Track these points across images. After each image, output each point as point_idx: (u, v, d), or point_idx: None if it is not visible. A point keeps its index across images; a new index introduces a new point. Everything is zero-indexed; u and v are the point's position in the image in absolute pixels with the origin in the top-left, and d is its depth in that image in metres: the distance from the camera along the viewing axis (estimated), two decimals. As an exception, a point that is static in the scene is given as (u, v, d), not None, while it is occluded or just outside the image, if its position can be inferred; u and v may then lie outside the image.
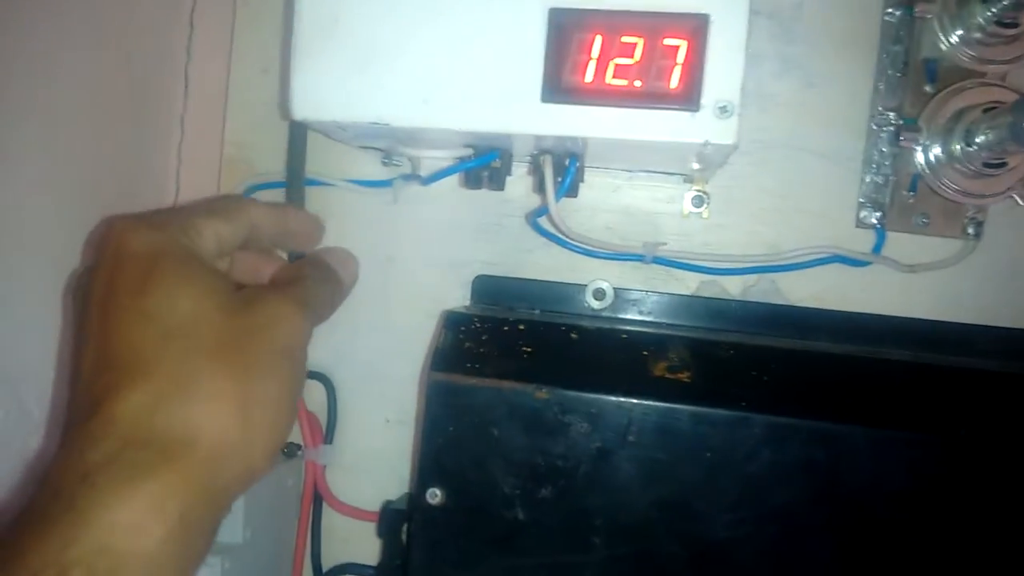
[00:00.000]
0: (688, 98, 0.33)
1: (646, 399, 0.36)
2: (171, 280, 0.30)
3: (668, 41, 0.33)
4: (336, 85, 0.35)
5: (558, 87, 0.34)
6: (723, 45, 0.33)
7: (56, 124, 0.40)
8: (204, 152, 0.50)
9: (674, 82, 0.33)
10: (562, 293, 0.45)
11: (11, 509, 0.32)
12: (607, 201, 0.45)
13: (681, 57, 0.33)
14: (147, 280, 0.29)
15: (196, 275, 0.30)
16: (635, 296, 0.44)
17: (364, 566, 0.46)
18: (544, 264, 0.46)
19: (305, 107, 0.36)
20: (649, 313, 0.44)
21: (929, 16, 0.39)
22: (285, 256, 0.42)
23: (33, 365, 0.40)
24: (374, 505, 0.46)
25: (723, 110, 0.33)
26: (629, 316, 0.44)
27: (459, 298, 0.47)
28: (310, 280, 0.35)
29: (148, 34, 0.47)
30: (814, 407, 0.36)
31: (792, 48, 0.44)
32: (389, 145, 0.43)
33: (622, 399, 0.36)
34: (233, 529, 0.40)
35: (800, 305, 0.43)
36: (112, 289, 0.29)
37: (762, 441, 0.35)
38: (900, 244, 0.43)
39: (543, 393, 0.37)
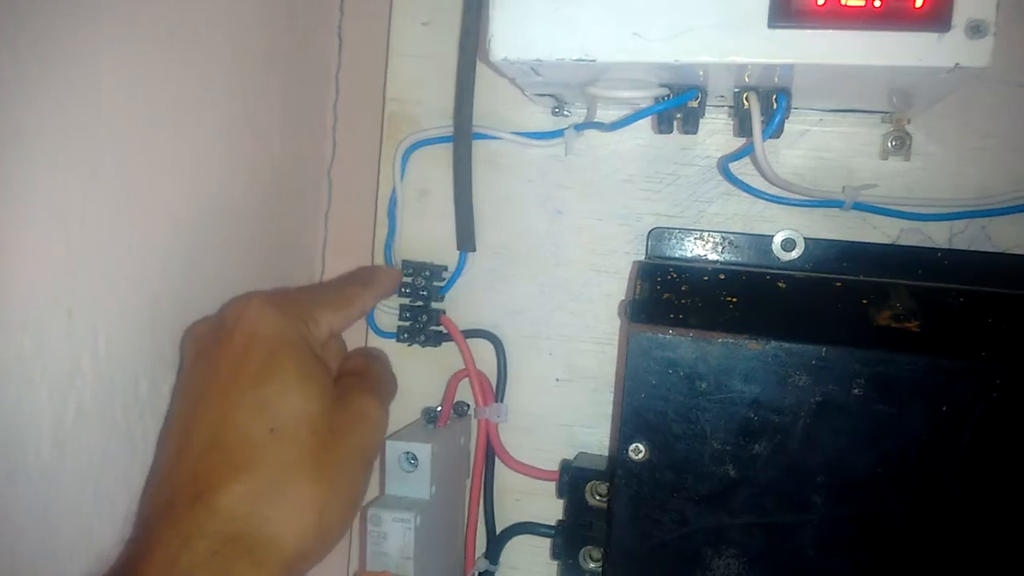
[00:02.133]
0: (936, 17, 0.30)
1: (874, 349, 0.34)
2: (288, 373, 0.33)
3: (912, -45, 0.30)
4: (539, 21, 0.34)
5: (788, 10, 0.31)
6: (976, -44, 0.30)
7: (224, 82, 0.40)
8: (363, 110, 0.49)
9: (919, 0, 0.30)
10: (747, 244, 0.42)
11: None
12: (795, 146, 0.42)
13: (928, -27, 0.30)
14: (268, 369, 0.32)
15: (309, 371, 0.34)
16: (828, 246, 0.41)
17: (541, 525, 0.45)
18: (723, 215, 0.44)
19: (505, 47, 0.34)
20: (843, 264, 0.41)
21: None
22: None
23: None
24: (546, 464, 0.45)
25: (976, 29, 0.30)
26: (822, 268, 0.42)
27: (631, 252, 0.45)
28: (381, 376, 0.39)
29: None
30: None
31: (1002, -26, 0.40)
32: (570, 92, 0.41)
33: (847, 349, 0.34)
34: (421, 486, 0.40)
35: (1014, 252, 0.40)
36: (238, 371, 0.32)
37: (1004, 393, 0.33)
38: None
39: (756, 344, 0.35)
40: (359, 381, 0.38)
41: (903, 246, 0.41)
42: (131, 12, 0.32)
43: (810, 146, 0.42)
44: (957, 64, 0.30)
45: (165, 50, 0.35)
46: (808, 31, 0.31)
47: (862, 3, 0.31)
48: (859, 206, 0.41)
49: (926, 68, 0.31)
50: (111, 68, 0.32)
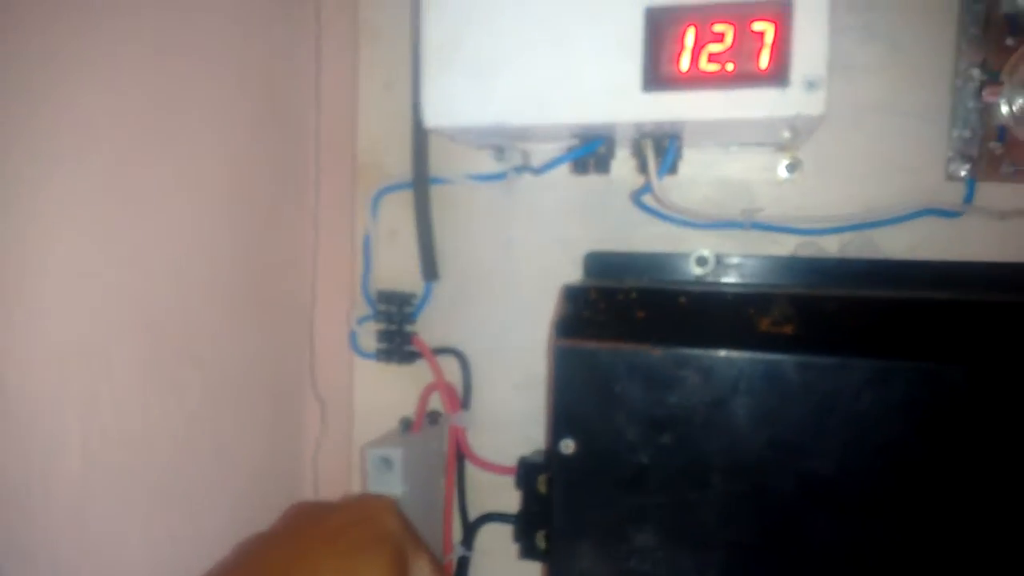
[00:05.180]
0: (778, 76, 0.37)
1: (753, 352, 0.40)
2: (382, 560, 0.36)
3: (756, 26, 0.37)
4: (461, 95, 0.41)
5: (657, 77, 0.38)
6: (807, 24, 0.36)
7: (218, 143, 0.48)
8: (339, 161, 0.57)
9: (764, 62, 0.37)
10: (667, 262, 0.49)
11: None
12: (704, 174, 0.49)
13: (769, 39, 0.37)
14: (370, 547, 0.36)
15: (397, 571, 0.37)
16: (736, 261, 0.48)
17: (506, 514, 0.52)
18: (649, 237, 0.50)
19: (435, 116, 0.42)
20: (750, 276, 0.48)
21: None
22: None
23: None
24: (510, 460, 0.52)
25: (811, 84, 0.36)
26: (732, 280, 0.48)
27: (573, 274, 0.51)
28: None
29: (281, 61, 0.54)
30: (914, 349, 0.39)
31: (874, 15, 0.46)
32: (504, 142, 0.48)
33: (731, 353, 0.40)
34: (394, 483, 0.47)
35: (896, 258, 0.46)
36: (341, 533, 0.37)
37: (865, 384, 0.39)
38: (991, 193, 0.45)
39: (658, 351, 0.41)
40: None
41: (800, 257, 0.47)
42: (133, 97, 0.40)
43: (717, 174, 0.49)
44: (798, 113, 0.37)
45: (174, 114, 0.42)
46: (675, 93, 0.38)
47: (717, 68, 0.37)
48: (759, 225, 0.47)
49: (773, 118, 0.37)
50: (116, 145, 0.39)
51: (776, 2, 0.36)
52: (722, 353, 0.40)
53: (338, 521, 0.38)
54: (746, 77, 0.37)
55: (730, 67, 0.37)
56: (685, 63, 0.38)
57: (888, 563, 0.39)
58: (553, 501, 0.43)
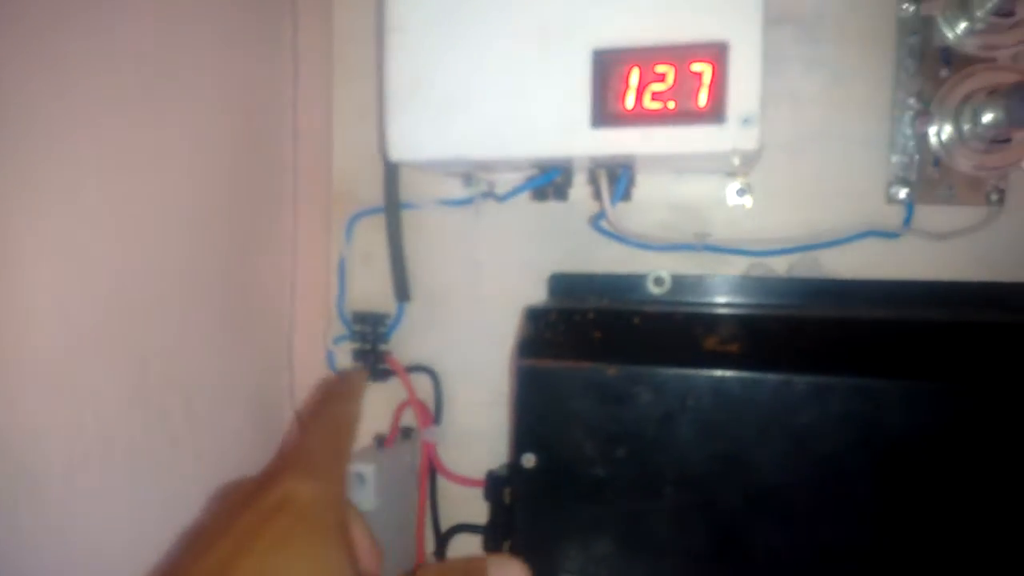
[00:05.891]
0: (715, 113, 0.39)
1: (700, 369, 0.42)
2: (311, 544, 0.29)
3: (695, 67, 0.39)
4: (423, 130, 0.43)
5: (605, 114, 0.41)
6: (742, 66, 0.39)
7: (200, 173, 0.50)
8: (315, 189, 0.59)
9: (702, 101, 0.39)
10: (626, 283, 0.51)
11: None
12: (659, 199, 0.51)
13: (707, 79, 0.39)
14: (291, 535, 0.29)
15: (326, 553, 0.29)
16: (691, 281, 0.50)
17: (475, 525, 0.54)
18: (610, 258, 0.53)
19: (399, 150, 0.44)
20: (705, 294, 0.50)
21: (934, 14, 0.44)
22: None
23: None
24: (479, 473, 0.54)
25: (746, 121, 0.39)
26: (687, 299, 0.50)
27: (538, 294, 0.54)
28: None
29: (261, 95, 0.57)
30: (851, 365, 0.42)
31: (817, 49, 0.49)
32: (469, 172, 0.51)
33: (680, 371, 0.43)
34: (367, 498, 0.49)
35: (840, 278, 0.49)
36: (258, 531, 0.29)
37: (805, 399, 0.41)
38: (929, 215, 0.47)
39: (613, 370, 0.44)
40: None
41: (750, 277, 0.50)
42: (116, 127, 0.42)
43: (670, 199, 0.51)
44: (734, 147, 0.39)
45: (156, 144, 0.45)
46: (621, 129, 0.40)
47: (660, 105, 0.40)
48: (711, 247, 0.50)
49: (711, 152, 0.40)
50: (100, 173, 0.41)
51: (713, 45, 0.39)
52: (672, 371, 0.43)
53: (256, 513, 0.30)
54: (686, 114, 0.40)
55: (671, 105, 0.40)
56: (630, 101, 0.40)
57: (830, 569, 0.41)
58: (515, 513, 0.46)
